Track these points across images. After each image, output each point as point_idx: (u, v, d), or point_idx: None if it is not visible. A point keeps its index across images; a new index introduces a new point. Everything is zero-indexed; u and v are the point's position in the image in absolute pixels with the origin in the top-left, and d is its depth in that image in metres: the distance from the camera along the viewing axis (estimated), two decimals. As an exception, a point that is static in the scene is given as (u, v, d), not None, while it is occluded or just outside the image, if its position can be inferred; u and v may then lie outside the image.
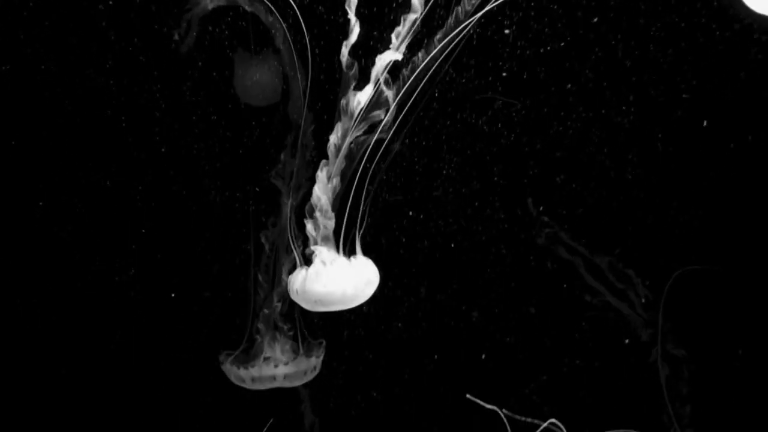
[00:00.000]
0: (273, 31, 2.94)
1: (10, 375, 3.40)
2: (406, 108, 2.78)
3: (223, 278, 3.31)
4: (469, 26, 2.71)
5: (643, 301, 3.28)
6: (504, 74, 3.08)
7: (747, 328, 3.37)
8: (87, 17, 2.99)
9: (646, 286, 3.31)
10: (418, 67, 2.73)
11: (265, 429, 3.27)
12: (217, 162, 3.20)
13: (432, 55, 2.72)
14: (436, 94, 3.05)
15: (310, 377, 3.18)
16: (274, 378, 3.09)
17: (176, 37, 2.98)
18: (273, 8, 2.88)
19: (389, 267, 3.22)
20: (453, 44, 2.73)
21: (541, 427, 3.11)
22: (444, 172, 3.27)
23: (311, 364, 3.16)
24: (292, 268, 2.95)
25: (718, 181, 3.26)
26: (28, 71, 3.07)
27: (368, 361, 3.52)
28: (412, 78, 2.73)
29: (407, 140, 3.10)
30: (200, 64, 3.07)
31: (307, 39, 2.83)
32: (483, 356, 3.48)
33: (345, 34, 2.68)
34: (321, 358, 3.19)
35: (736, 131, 3.20)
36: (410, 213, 3.32)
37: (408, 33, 2.65)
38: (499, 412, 3.15)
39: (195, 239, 3.30)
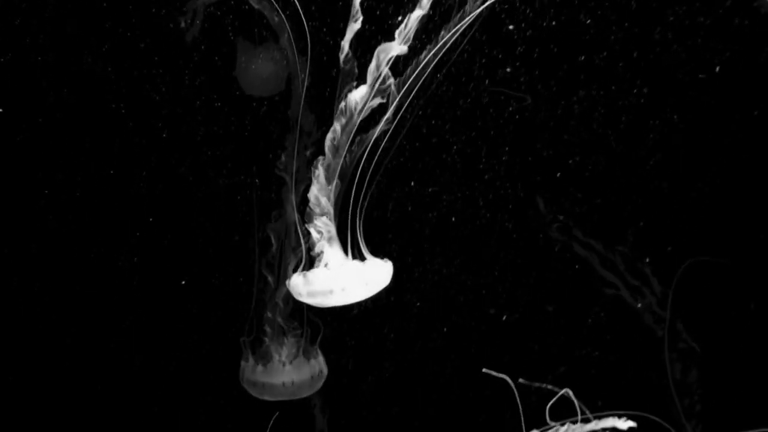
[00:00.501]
0: (276, 18, 2.88)
1: (11, 363, 3.44)
2: (408, 101, 2.71)
3: (227, 269, 3.32)
4: (477, 13, 2.63)
5: (639, 306, 3.29)
6: (508, 70, 3.01)
7: (755, 322, 3.35)
8: (87, 3, 2.96)
9: (656, 277, 3.30)
10: (422, 61, 2.67)
11: (270, 424, 3.31)
12: (222, 149, 3.18)
13: (435, 50, 2.65)
14: (439, 77, 2.99)
15: (318, 384, 3.19)
16: (282, 384, 3.10)
17: (182, 25, 2.93)
18: (278, 9, 2.82)
19: (395, 245, 3.23)
20: (458, 34, 2.66)
21: (557, 396, 3.12)
22: (453, 148, 3.23)
23: (316, 369, 3.16)
24: (296, 267, 2.92)
25: (728, 173, 3.23)
26: (29, 59, 3.04)
27: (379, 335, 3.52)
28: (416, 72, 2.67)
29: (419, 112, 3.05)
30: (203, 47, 3.04)
31: (308, 34, 2.77)
32: (504, 317, 3.47)
33: (346, 29, 2.61)
34: (320, 357, 3.19)
35: (748, 123, 3.16)
36: (412, 183, 3.28)
37: (411, 29, 2.57)
38: (511, 383, 3.17)
39: (199, 227, 3.30)
